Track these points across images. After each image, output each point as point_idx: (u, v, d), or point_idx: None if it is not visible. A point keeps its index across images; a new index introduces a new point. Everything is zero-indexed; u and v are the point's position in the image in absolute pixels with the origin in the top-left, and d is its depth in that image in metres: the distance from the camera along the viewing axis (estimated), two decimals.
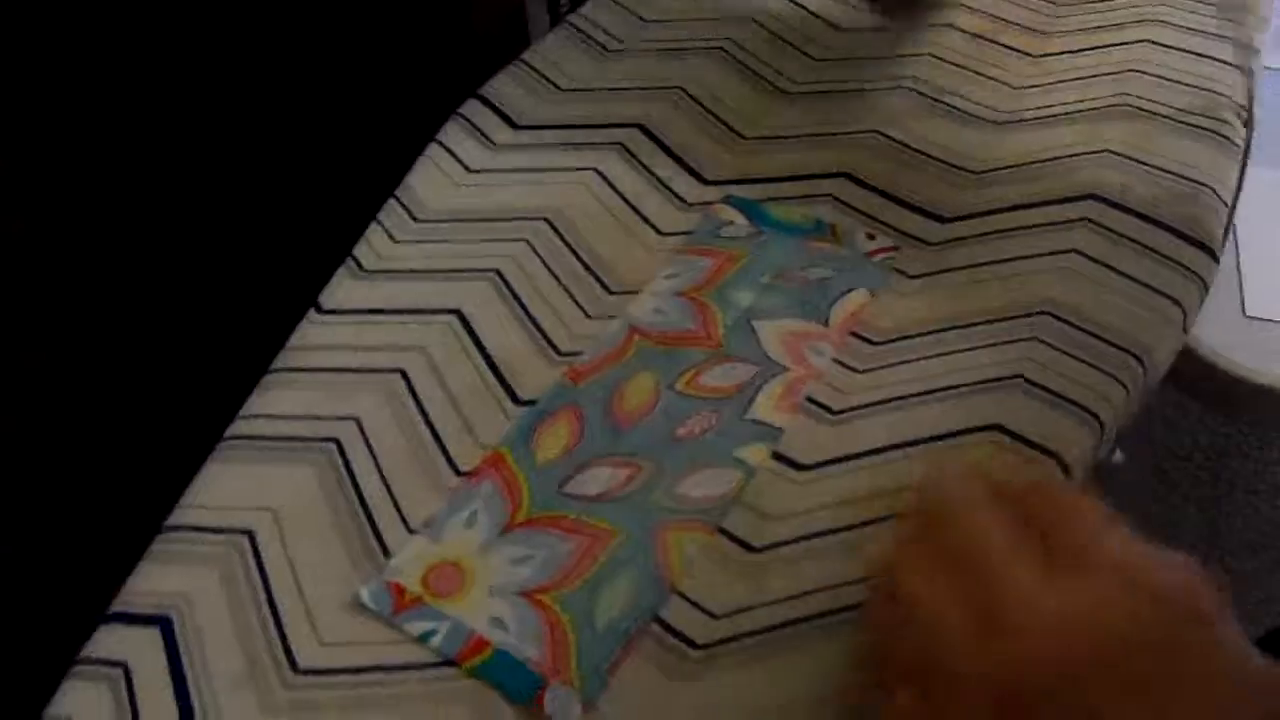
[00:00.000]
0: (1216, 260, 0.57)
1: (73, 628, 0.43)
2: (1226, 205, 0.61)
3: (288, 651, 0.43)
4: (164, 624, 0.43)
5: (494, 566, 0.44)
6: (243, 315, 0.56)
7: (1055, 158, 0.62)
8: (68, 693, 0.42)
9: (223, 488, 0.47)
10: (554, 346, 0.53)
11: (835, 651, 0.43)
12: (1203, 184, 0.61)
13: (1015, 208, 0.59)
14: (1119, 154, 0.62)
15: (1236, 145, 0.63)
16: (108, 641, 0.43)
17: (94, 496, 0.50)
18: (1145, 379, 0.52)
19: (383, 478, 0.48)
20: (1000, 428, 0.49)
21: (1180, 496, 1.50)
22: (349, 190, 0.61)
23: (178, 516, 0.46)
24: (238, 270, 0.58)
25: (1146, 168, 0.61)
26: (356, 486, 0.47)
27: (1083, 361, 0.52)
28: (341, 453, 0.48)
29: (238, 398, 0.51)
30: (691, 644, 0.43)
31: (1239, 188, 0.61)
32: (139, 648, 0.43)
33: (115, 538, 0.46)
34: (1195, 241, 0.58)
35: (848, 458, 0.48)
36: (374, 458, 0.48)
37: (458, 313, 0.54)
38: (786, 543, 0.46)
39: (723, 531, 0.46)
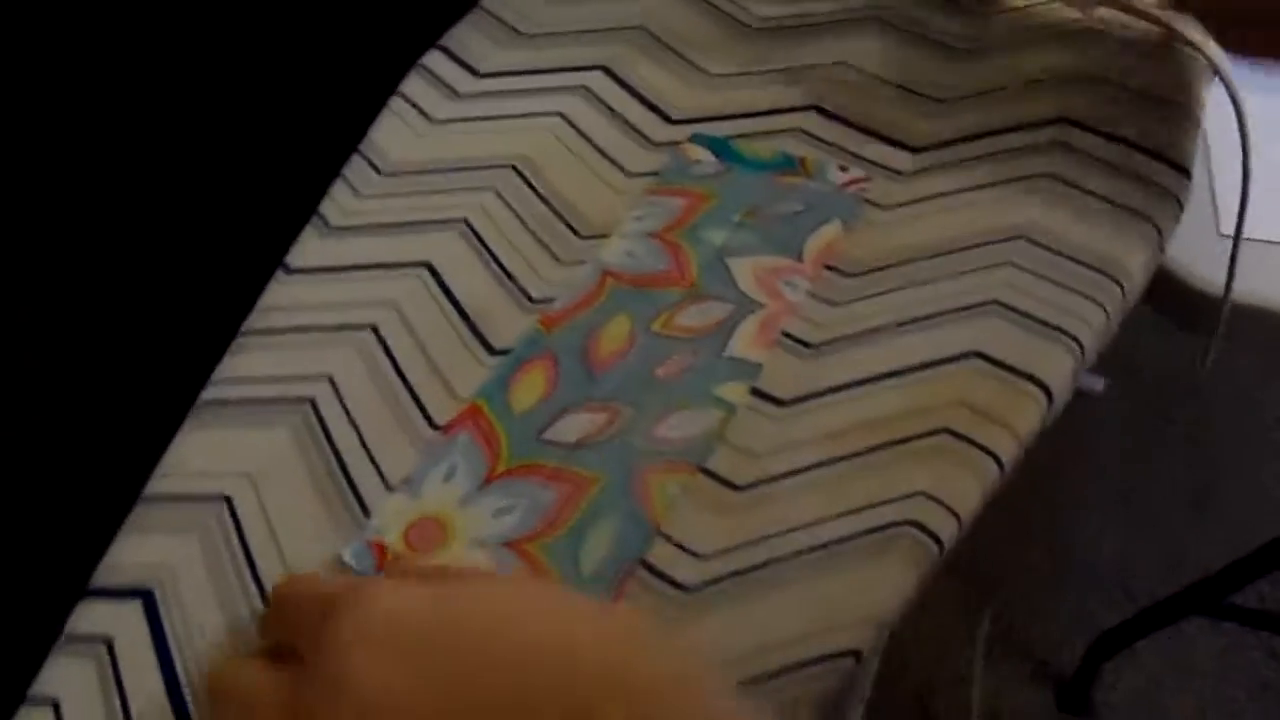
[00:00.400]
0: (1189, 178, 0.57)
1: (54, 604, 0.43)
2: (1197, 123, 0.60)
3: None
4: (146, 596, 0.43)
5: (476, 519, 0.44)
6: (210, 277, 0.55)
7: (1023, 82, 0.62)
8: (52, 670, 0.41)
9: (198, 454, 0.47)
10: (526, 294, 0.52)
11: (826, 586, 0.42)
12: (1172, 101, 0.60)
13: (985, 134, 0.59)
14: (1086, 77, 0.62)
15: (1205, 62, 0.62)
16: (90, 617, 0.42)
17: (67, 468, 0.49)
18: (1123, 300, 0.52)
19: (359, 436, 0.47)
20: (980, 354, 0.49)
21: (1166, 421, 1.51)
22: (313, 147, 0.60)
23: (155, 486, 0.46)
24: (203, 232, 0.57)
25: (1114, 88, 0.61)
26: (333, 446, 0.47)
27: (1060, 285, 0.51)
28: (316, 412, 0.48)
29: (209, 361, 0.50)
30: (680, 586, 0.42)
31: (1239, 112, 0.61)
32: (122, 621, 0.42)
33: (92, 510, 0.45)
34: (1167, 160, 0.57)
35: (827, 391, 0.48)
36: (349, 416, 0.48)
37: (427, 265, 0.53)
38: (770, 480, 0.45)
39: (705, 471, 0.45)
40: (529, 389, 0.48)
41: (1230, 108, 0.64)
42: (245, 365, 0.50)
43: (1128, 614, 1.20)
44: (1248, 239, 0.66)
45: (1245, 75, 0.62)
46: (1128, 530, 1.41)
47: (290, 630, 0.37)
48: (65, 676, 0.41)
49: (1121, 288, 0.52)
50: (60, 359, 0.52)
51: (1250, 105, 0.61)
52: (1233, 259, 0.66)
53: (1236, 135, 0.63)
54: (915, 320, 0.50)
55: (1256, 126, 0.64)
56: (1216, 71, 0.62)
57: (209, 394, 0.49)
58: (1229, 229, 0.68)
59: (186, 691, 0.40)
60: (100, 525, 0.45)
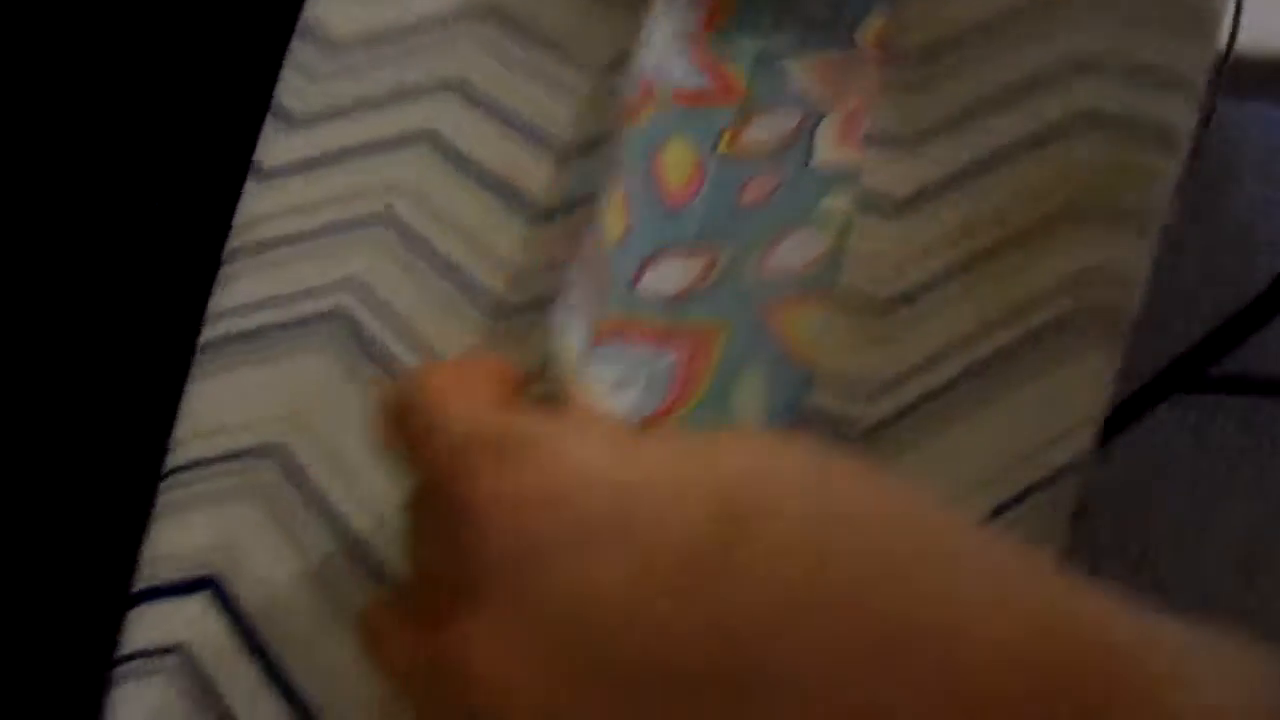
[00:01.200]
0: None
1: (95, 621, 0.34)
2: None
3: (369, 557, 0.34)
4: (212, 585, 0.34)
5: (594, 391, 0.36)
6: (158, 192, 0.45)
7: None
8: (121, 703, 0.32)
9: (222, 404, 0.38)
10: (549, 142, 0.43)
11: (1016, 401, 0.36)
12: None
13: None
14: None
15: None
16: (149, 626, 0.33)
17: (64, 458, 0.39)
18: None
19: (410, 335, 0.38)
20: (1092, 116, 0.42)
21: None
22: (240, 28, 0.50)
23: (179, 455, 0.37)
24: (135, 140, 0.47)
25: None
26: (383, 355, 0.38)
27: (1152, 41, 0.45)
28: (352, 322, 0.39)
29: (195, 297, 0.40)
30: (854, 434, 0.35)
31: None
32: (191, 623, 0.33)
33: (106, 500, 0.36)
34: None
35: (941, 185, 0.41)
36: (393, 317, 0.39)
37: (427, 133, 0.44)
38: (914, 291, 0.38)
39: (840, 298, 0.38)
40: (611, 210, 0.39)
41: None
42: (246, 290, 0.40)
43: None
44: None
45: None
46: None
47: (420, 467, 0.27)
48: (139, 708, 0.32)
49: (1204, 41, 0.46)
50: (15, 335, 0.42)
51: None
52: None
53: None
54: (1006, 93, 0.43)
55: None
56: None
57: (213, 333, 0.39)
58: None
59: (304, 692, 0.32)
60: (122, 515, 0.36)
